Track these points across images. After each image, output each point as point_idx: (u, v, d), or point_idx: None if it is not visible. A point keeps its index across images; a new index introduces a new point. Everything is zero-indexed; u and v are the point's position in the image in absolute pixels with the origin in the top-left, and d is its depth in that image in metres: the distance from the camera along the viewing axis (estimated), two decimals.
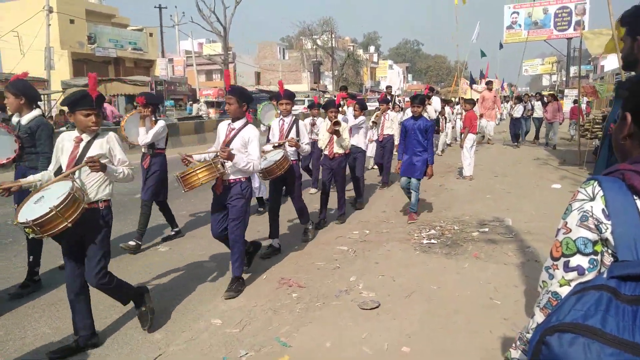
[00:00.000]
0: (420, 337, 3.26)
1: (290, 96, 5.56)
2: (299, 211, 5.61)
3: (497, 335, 3.23)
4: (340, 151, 6.21)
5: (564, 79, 46.37)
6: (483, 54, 21.43)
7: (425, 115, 9.62)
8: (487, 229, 5.72)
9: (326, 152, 6.31)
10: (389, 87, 14.00)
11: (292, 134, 5.39)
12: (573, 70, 46.64)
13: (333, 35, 50.67)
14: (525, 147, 14.88)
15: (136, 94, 24.55)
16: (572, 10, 33.68)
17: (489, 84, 15.74)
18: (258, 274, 4.58)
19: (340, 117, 6.95)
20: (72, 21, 29.62)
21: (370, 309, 3.68)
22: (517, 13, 35.62)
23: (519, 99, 16.40)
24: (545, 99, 16.69)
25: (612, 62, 43.48)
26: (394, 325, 3.44)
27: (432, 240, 5.34)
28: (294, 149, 5.32)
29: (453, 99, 19.41)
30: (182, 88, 33.20)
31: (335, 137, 6.14)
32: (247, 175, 4.15)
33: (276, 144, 5.32)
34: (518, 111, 15.41)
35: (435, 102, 12.47)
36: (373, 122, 8.90)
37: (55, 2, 27.13)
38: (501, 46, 27.85)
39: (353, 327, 3.42)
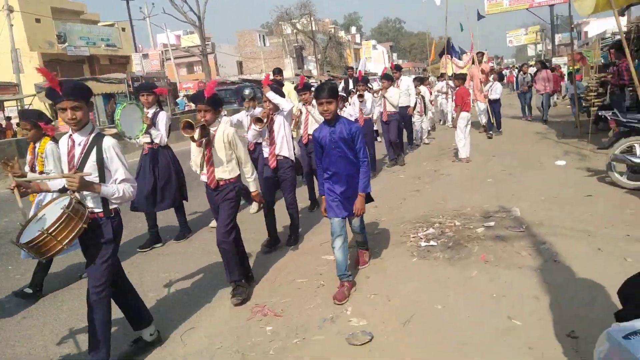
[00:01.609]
0: None
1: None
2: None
3: None
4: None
5: (549, 47, 45.64)
6: (462, 28, 20.35)
7: (391, 99, 8.69)
8: (493, 223, 4.98)
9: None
10: (350, 69, 13.31)
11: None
12: (558, 38, 45.95)
13: (312, 18, 49.36)
14: (522, 123, 14.05)
15: (114, 92, 23.72)
16: None
17: (479, 55, 13.14)
18: (226, 299, 3.83)
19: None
20: (38, 20, 28.30)
21: (360, 345, 2.94)
22: None
23: (500, 76, 14.25)
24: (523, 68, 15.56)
25: (596, 27, 42.85)
26: None
27: (432, 242, 4.60)
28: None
29: (431, 76, 18.49)
30: (161, 83, 32.05)
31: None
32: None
33: None
34: (496, 91, 12.07)
35: (404, 83, 9.92)
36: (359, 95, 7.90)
37: (16, 1, 25.77)
38: (480, 16, 26.43)
39: None
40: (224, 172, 3.78)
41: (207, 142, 3.74)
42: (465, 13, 15.11)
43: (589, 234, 4.37)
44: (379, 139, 11.80)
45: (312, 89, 5.94)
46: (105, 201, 2.84)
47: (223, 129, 3.76)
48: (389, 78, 8.88)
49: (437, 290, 3.58)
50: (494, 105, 11.84)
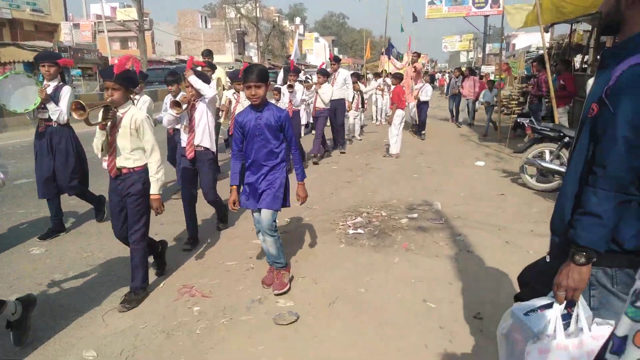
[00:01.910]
0: (343, 358, 2.72)
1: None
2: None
3: (434, 351, 2.76)
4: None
5: (480, 55, 48.15)
6: (402, 29, 21.12)
7: (323, 95, 8.61)
8: (416, 215, 5.31)
9: None
10: (289, 57, 12.97)
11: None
12: (489, 47, 48.58)
13: (257, 5, 48.65)
14: (449, 125, 14.81)
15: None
16: None
17: (414, 55, 13.03)
18: (154, 282, 3.80)
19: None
20: None
21: (287, 324, 3.08)
22: None
23: (432, 78, 15.03)
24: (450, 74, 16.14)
25: (523, 41, 45.82)
26: (314, 344, 2.87)
27: (359, 230, 4.83)
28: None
29: (367, 73, 18.88)
30: (91, 56, 30.25)
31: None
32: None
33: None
34: (426, 93, 11.78)
35: (342, 76, 9.53)
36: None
37: None
38: (415, 19, 27.19)
39: (265, 350, 2.80)
40: (127, 160, 3.30)
41: (112, 125, 3.26)
42: (401, 15, 15.14)
43: (499, 228, 4.81)
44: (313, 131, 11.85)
45: None
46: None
47: (132, 113, 3.26)
48: (325, 74, 8.84)
49: (361, 275, 3.79)
50: (422, 106, 11.72)
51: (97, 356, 2.77)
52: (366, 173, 7.81)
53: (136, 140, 3.29)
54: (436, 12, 36.84)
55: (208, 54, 8.22)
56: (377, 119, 15.09)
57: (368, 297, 3.44)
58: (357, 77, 12.69)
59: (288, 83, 7.58)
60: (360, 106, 11.82)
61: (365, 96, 12.94)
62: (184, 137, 4.46)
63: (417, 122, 11.93)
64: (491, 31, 47.78)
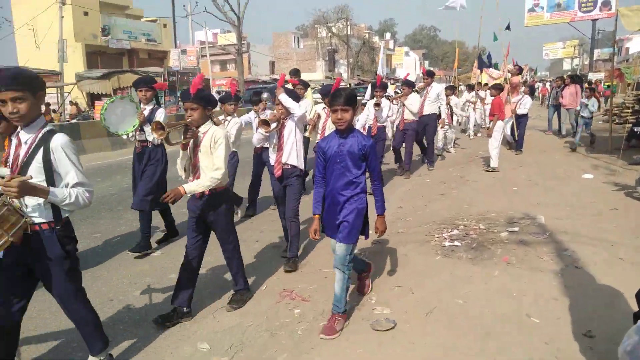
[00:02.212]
0: None
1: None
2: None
3: None
4: None
5: (586, 62, 44.68)
6: (495, 38, 19.65)
7: (410, 106, 8.32)
8: (517, 228, 5.09)
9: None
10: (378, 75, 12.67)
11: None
12: (597, 53, 44.92)
13: (348, 23, 49.63)
14: (550, 135, 13.92)
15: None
16: None
17: (516, 67, 12.67)
18: (257, 284, 4.06)
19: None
20: (86, 13, 29.43)
21: (384, 331, 3.13)
22: None
23: (532, 89, 13.46)
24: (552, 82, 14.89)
25: (637, 44, 41.74)
26: (411, 351, 2.89)
27: (456, 242, 4.74)
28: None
29: (460, 85, 18.22)
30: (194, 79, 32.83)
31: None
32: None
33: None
34: (524, 105, 11.03)
35: (435, 90, 9.11)
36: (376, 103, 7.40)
37: None
38: (508, 28, 25.69)
39: (363, 354, 2.88)
40: None
41: (194, 145, 3.33)
42: (499, 26, 13.90)
43: (612, 244, 4.45)
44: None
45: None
46: (56, 209, 2.44)
47: (213, 132, 3.28)
48: (409, 84, 8.61)
49: (459, 287, 3.73)
50: (521, 120, 10.86)
51: (209, 348, 3.03)
52: (461, 186, 7.61)
53: None
54: (536, 19, 34.94)
55: (295, 72, 8.11)
56: (470, 132, 14.54)
57: (466, 309, 3.38)
58: (452, 90, 12.42)
59: (375, 100, 7.37)
60: (450, 119, 11.47)
61: (457, 110, 12.51)
62: (272, 156, 4.48)
63: (514, 138, 10.96)
64: (599, 36, 44.22)
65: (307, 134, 6.45)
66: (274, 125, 4.35)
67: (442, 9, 15.15)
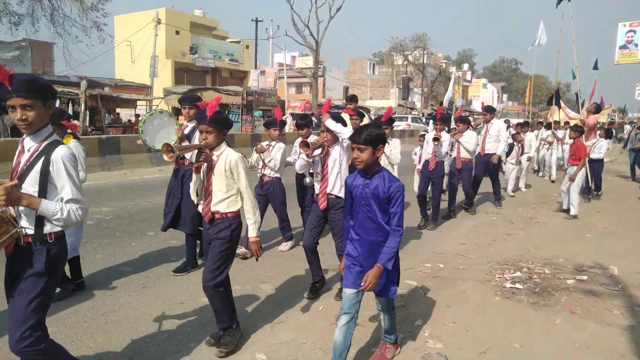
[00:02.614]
0: None
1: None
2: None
3: None
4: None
5: None
6: (574, 76, 17.58)
7: (466, 144, 7.80)
8: (585, 277, 4.87)
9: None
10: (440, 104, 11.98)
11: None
12: None
13: (425, 52, 49.57)
14: (633, 183, 13.00)
15: (229, 103, 25.76)
16: None
17: (592, 106, 11.71)
18: (314, 305, 4.21)
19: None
20: (177, 32, 31.80)
21: None
22: (634, 32, 32.28)
23: (608, 132, 11.88)
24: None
25: None
26: None
27: (517, 285, 4.63)
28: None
29: (539, 121, 17.27)
30: (271, 100, 34.20)
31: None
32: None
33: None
34: (599, 149, 10.26)
35: (495, 127, 8.74)
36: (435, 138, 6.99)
37: (164, 14, 29.22)
38: (596, 66, 24.16)
39: None
40: (220, 204, 3.24)
41: (208, 168, 3.27)
42: (575, 63, 12.81)
43: None
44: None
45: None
46: (39, 221, 2.31)
47: (227, 155, 3.23)
48: (465, 121, 8.09)
49: (517, 330, 3.66)
50: (595, 165, 10.13)
51: (266, 359, 3.20)
52: (529, 227, 7.37)
53: (231, 182, 3.23)
54: (629, 57, 33.03)
55: (351, 99, 7.23)
56: (544, 174, 13.71)
57: (524, 353, 3.31)
58: (524, 126, 11.80)
59: (434, 135, 6.98)
60: (520, 158, 10.61)
61: (528, 149, 11.44)
62: (316, 185, 4.25)
63: (589, 185, 10.04)
64: None
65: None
66: (317, 151, 4.14)
67: (530, 49, 14.62)
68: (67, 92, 21.74)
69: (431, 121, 8.65)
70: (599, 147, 10.29)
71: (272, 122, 5.82)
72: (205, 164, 3.26)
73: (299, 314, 4.06)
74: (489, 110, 9.01)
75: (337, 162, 4.14)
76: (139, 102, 26.90)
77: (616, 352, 3.35)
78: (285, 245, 5.97)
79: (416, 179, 8.32)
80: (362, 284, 2.80)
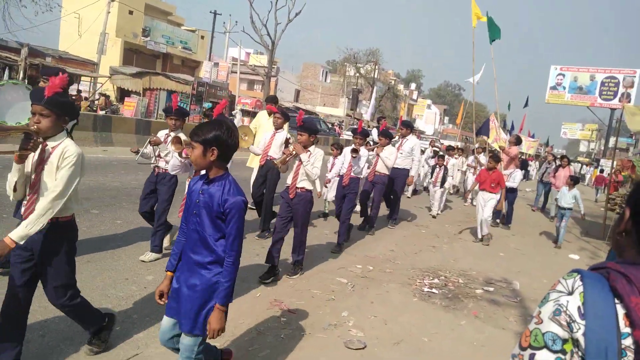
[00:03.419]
0: None
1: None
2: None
3: None
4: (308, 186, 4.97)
5: (602, 148, 45.52)
6: (509, 107, 18.46)
7: (386, 160, 7.46)
8: (492, 289, 5.57)
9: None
10: (383, 118, 12.31)
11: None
12: (612, 140, 45.85)
13: (377, 66, 51.14)
14: (535, 211, 14.21)
15: (177, 90, 25.36)
16: (619, 82, 33.10)
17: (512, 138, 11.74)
18: (252, 291, 4.55)
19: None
20: (131, 12, 30.84)
21: (355, 349, 3.59)
22: (563, 75, 35.21)
23: (523, 164, 12.64)
24: (556, 161, 13.37)
25: None
26: None
27: (434, 290, 5.22)
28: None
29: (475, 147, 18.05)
30: (222, 93, 33.93)
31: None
32: None
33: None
34: (514, 179, 10.44)
35: (409, 144, 8.52)
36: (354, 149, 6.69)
37: None
38: (527, 104, 26.67)
39: None
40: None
41: (38, 161, 2.62)
42: (517, 94, 13.76)
43: None
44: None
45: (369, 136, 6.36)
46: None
47: (65, 148, 2.63)
48: (387, 135, 7.63)
49: (428, 327, 4.20)
50: (509, 195, 10.08)
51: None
52: (452, 242, 8.11)
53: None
54: (557, 97, 35.93)
55: (272, 99, 7.63)
56: (466, 199, 13.58)
57: (430, 346, 3.84)
58: (451, 150, 12.60)
59: (352, 147, 6.69)
60: (439, 180, 10.53)
61: (451, 173, 11.60)
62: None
63: (501, 212, 10.11)
64: (617, 124, 45.22)
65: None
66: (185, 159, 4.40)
67: (466, 82, 15.18)
68: (5, 57, 20.61)
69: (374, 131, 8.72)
70: (513, 177, 10.45)
71: (168, 110, 5.09)
72: (36, 156, 2.60)
73: (237, 301, 4.37)
74: (406, 126, 8.82)
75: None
76: (83, 78, 25.86)
77: (506, 352, 3.96)
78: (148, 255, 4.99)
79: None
80: (208, 332, 2.34)
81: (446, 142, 29.08)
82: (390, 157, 7.55)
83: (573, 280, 1.10)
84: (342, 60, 54.05)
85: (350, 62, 52.22)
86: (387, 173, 7.75)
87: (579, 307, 1.05)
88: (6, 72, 21.64)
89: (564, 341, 1.06)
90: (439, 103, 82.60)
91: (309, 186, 4.95)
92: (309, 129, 4.92)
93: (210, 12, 36.61)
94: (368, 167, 7.54)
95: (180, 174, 4.79)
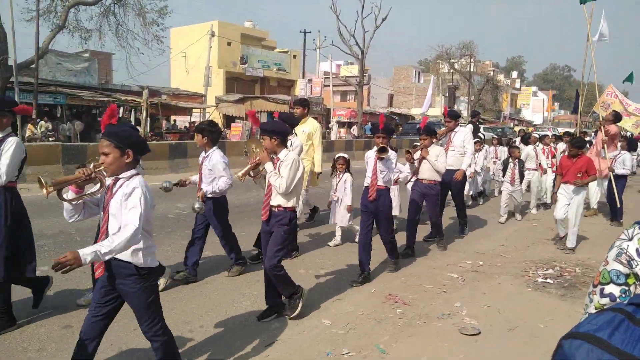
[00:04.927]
0: None
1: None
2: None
3: None
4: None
5: None
6: (632, 80, 13.99)
7: (435, 163, 5.91)
8: None
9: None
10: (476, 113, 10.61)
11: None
12: None
13: (472, 60, 49.35)
14: None
15: (276, 110, 26.94)
16: None
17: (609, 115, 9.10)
18: (367, 287, 4.94)
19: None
20: (229, 43, 33.43)
21: (470, 335, 3.81)
22: None
23: (631, 143, 9.75)
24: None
25: None
26: (492, 354, 3.54)
27: (548, 280, 5.19)
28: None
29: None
30: (317, 108, 35.24)
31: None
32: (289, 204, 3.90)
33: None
34: (623, 163, 8.67)
35: (459, 137, 7.01)
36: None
37: (217, 27, 30.90)
38: (629, 79, 20.20)
39: (450, 348, 3.60)
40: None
41: (104, 203, 2.63)
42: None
43: None
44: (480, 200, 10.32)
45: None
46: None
47: (134, 185, 2.56)
48: (431, 132, 6.09)
49: (543, 314, 4.27)
50: (617, 183, 8.52)
51: (331, 323, 3.97)
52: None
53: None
54: None
55: (300, 103, 6.72)
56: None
57: (546, 333, 3.92)
58: (525, 141, 10.23)
59: (376, 147, 5.06)
60: (517, 177, 8.57)
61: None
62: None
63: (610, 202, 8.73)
64: None
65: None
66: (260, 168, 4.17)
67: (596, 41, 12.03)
68: (130, 101, 23.53)
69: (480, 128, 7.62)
70: (622, 161, 8.74)
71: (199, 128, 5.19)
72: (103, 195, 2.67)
73: (354, 294, 4.80)
74: (452, 116, 7.10)
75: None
76: (193, 110, 28.59)
77: None
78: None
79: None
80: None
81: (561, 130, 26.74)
82: (440, 159, 6.01)
83: (633, 229, 1.36)
84: (434, 58, 53.01)
85: (443, 59, 51.02)
86: (439, 179, 6.17)
87: (637, 249, 1.31)
88: (132, 113, 24.76)
89: (627, 276, 1.32)
90: (547, 89, 77.09)
91: (286, 204, 3.91)
92: (273, 130, 3.92)
93: (300, 31, 38.17)
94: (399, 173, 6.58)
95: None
